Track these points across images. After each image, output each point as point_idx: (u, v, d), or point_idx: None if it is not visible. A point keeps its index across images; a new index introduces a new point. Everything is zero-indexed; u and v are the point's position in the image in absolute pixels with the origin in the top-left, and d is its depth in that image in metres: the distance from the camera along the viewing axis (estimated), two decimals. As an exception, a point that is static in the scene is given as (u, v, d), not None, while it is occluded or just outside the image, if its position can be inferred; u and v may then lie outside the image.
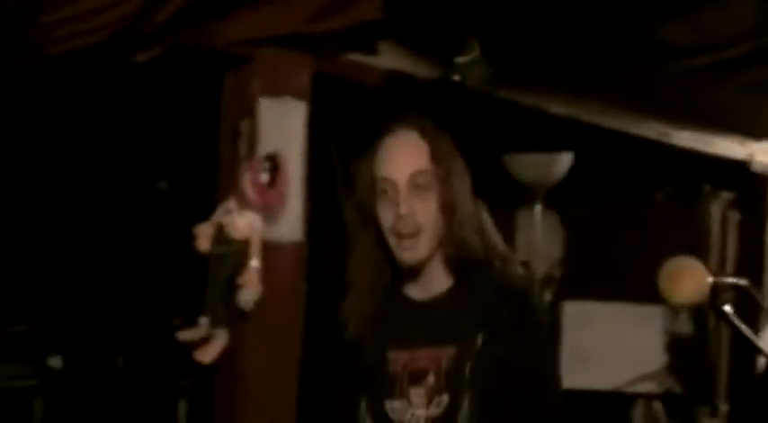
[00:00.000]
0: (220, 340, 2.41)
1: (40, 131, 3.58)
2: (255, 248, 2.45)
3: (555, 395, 1.74)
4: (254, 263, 2.44)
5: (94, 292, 4.25)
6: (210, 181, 2.58)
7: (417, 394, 1.69)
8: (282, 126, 2.57)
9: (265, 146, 2.50)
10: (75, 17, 2.10)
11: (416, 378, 1.70)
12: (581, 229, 4.92)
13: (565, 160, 3.99)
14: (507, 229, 3.99)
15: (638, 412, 3.93)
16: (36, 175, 3.97)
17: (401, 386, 1.70)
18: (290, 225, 2.59)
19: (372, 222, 1.72)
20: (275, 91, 2.54)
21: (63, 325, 4.14)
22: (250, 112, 2.50)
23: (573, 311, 3.78)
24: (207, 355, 2.40)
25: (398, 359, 1.71)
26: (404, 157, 1.69)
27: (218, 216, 2.47)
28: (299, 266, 2.61)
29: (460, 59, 2.80)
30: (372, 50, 2.77)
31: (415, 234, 1.67)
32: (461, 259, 1.71)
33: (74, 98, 3.12)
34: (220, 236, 2.44)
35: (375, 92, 2.93)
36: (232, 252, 2.44)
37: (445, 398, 1.67)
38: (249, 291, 2.43)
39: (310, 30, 2.44)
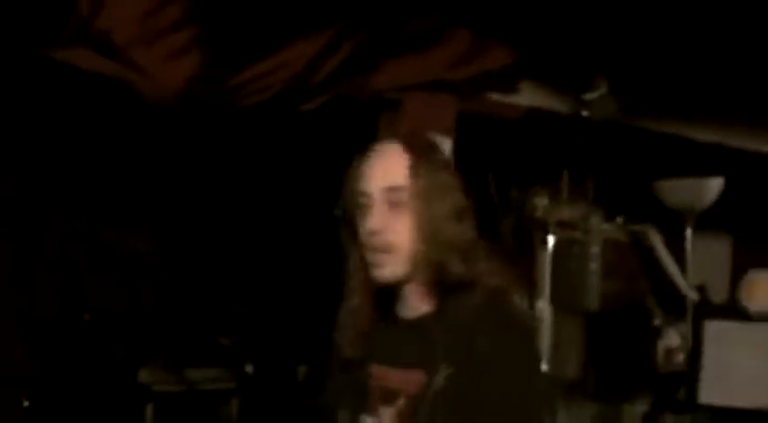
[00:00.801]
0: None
1: (236, 170, 4.15)
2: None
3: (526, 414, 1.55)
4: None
5: (287, 308, 4.71)
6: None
7: (388, 414, 1.59)
8: (430, 159, 2.93)
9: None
10: (253, 78, 2.58)
11: (387, 397, 1.60)
12: (749, 252, 4.94)
13: (714, 185, 4.05)
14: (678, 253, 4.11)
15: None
16: (235, 204, 4.49)
17: (373, 402, 1.62)
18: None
19: (357, 238, 1.61)
20: (423, 129, 2.91)
21: (258, 335, 4.64)
22: (400, 147, 2.89)
23: (714, 330, 3.85)
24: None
25: (376, 374, 1.63)
26: (380, 171, 1.57)
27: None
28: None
29: (589, 96, 3.04)
30: (511, 89, 3.09)
31: (386, 251, 1.55)
32: (446, 283, 1.56)
33: (254, 142, 3.63)
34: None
35: (516, 127, 3.23)
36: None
37: None
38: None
39: (450, 77, 2.81)
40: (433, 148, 1.63)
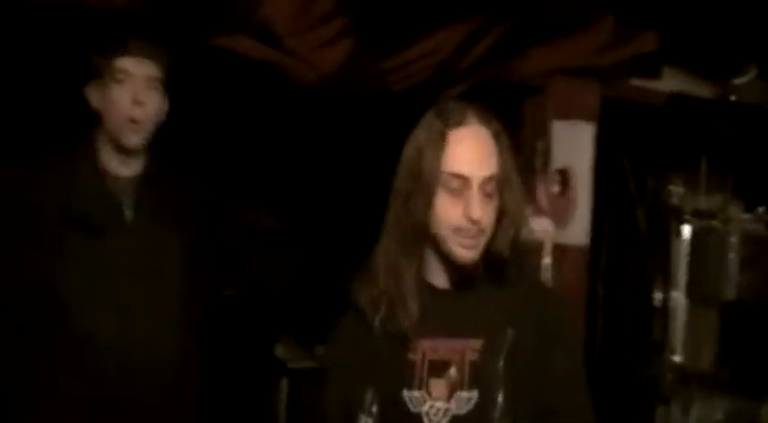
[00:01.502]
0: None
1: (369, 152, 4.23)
2: (548, 249, 2.86)
3: (584, 385, 1.67)
4: (547, 261, 2.85)
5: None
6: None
7: (437, 386, 1.58)
8: (572, 144, 2.95)
9: (557, 161, 2.91)
10: (402, 64, 2.64)
11: (437, 369, 1.58)
12: None
13: None
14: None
15: None
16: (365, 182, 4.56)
17: (420, 376, 1.59)
18: (578, 231, 2.96)
19: (416, 209, 1.60)
20: (566, 114, 2.94)
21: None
22: (544, 132, 2.92)
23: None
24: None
25: (419, 348, 1.60)
26: (479, 157, 1.58)
27: (517, 221, 2.90)
28: (583, 266, 2.98)
29: (738, 80, 2.99)
30: (655, 75, 3.07)
31: (476, 237, 1.58)
32: (500, 259, 1.62)
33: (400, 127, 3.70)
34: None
35: (659, 113, 3.20)
36: (528, 253, 2.86)
37: (474, 394, 1.56)
38: (542, 284, 2.83)
39: (595, 63, 2.81)
40: (506, 133, 1.64)
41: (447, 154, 1.57)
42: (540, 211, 2.87)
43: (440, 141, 1.58)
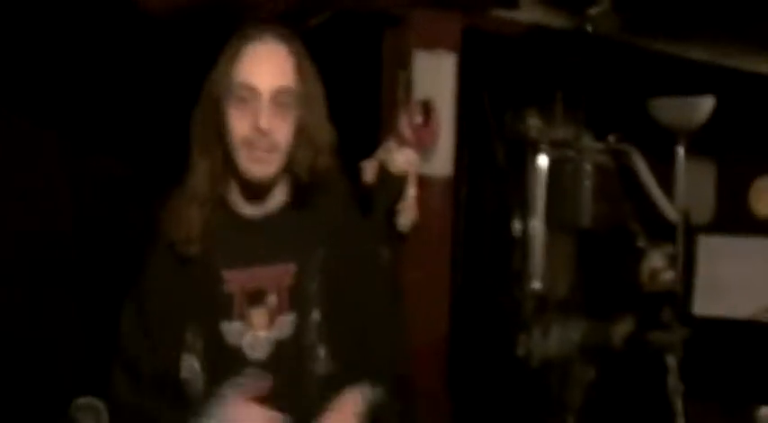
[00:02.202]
0: (384, 255, 2.84)
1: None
2: (412, 180, 2.86)
3: (399, 294, 1.72)
4: (411, 192, 2.85)
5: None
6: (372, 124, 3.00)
7: (258, 315, 1.55)
8: (435, 75, 2.95)
9: (420, 92, 2.89)
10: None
11: (256, 298, 1.56)
12: (732, 171, 5.02)
13: (707, 104, 4.07)
14: (662, 174, 4.15)
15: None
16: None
17: (240, 307, 1.56)
18: (441, 161, 2.98)
19: (217, 128, 1.58)
20: (428, 44, 2.92)
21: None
22: (406, 63, 2.90)
23: (707, 244, 3.94)
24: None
25: (234, 279, 1.57)
26: (271, 68, 1.55)
27: (381, 153, 2.89)
28: (448, 197, 3.00)
29: (592, 10, 3.05)
30: (513, 5, 3.08)
31: (271, 151, 1.55)
32: (303, 181, 1.62)
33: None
34: (383, 170, 2.86)
35: (518, 44, 3.23)
36: (393, 184, 2.86)
37: (293, 316, 1.56)
38: (407, 216, 2.84)
39: (457, -9, 2.80)
40: (307, 55, 1.62)
41: (238, 66, 1.55)
42: (403, 142, 2.85)
43: (234, 56, 1.56)
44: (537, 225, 3.96)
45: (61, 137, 3.94)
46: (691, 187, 4.44)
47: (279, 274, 1.57)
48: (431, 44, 2.91)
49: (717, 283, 3.77)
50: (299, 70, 1.57)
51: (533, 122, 3.98)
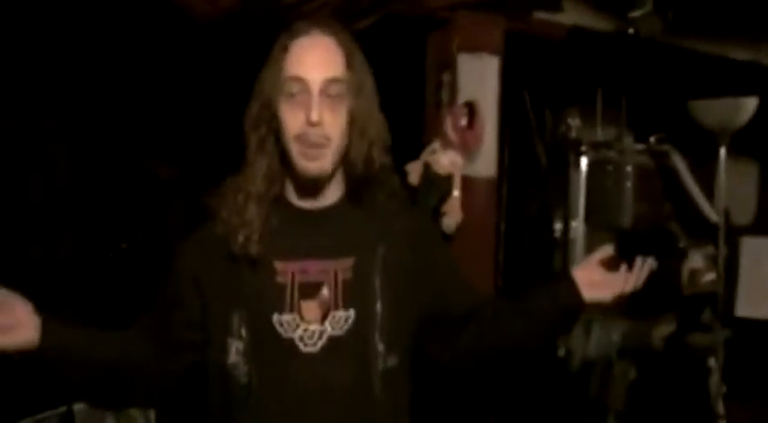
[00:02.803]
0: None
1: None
2: (457, 182, 2.89)
3: (463, 276, 1.74)
4: (456, 194, 2.88)
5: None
6: (416, 126, 3.04)
7: (309, 308, 1.53)
8: (478, 77, 2.97)
9: (464, 94, 2.92)
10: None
11: (308, 291, 1.54)
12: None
13: (749, 105, 4.04)
14: (705, 176, 4.13)
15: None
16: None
17: (291, 299, 1.54)
18: (485, 163, 3.00)
19: (271, 125, 1.57)
20: (472, 47, 2.95)
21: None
22: (451, 65, 2.93)
23: (751, 246, 3.92)
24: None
25: (287, 270, 1.55)
26: (320, 60, 1.53)
27: (426, 155, 2.93)
28: (492, 197, 3.03)
29: (634, 13, 3.06)
30: (556, 8, 3.10)
31: (322, 145, 1.52)
32: (360, 175, 1.60)
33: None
34: (428, 172, 2.90)
35: (561, 46, 3.25)
36: (438, 185, 2.89)
37: (350, 313, 1.54)
38: (452, 217, 2.87)
39: (501, -5, 2.82)
40: (357, 46, 1.60)
41: (286, 61, 1.54)
42: (448, 144, 2.88)
43: (282, 52, 1.55)
44: (577, 226, 3.98)
45: (113, 138, 4.02)
46: (732, 188, 4.43)
47: (335, 267, 1.55)
48: (474, 47, 2.94)
49: (760, 285, 3.76)
50: (349, 61, 1.55)
51: (574, 123, 3.99)
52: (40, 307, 1.56)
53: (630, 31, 3.12)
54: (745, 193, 5.08)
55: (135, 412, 2.70)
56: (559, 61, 3.43)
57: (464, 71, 2.93)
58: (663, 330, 4.18)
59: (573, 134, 3.99)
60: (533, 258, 4.00)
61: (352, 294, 1.54)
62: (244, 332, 1.53)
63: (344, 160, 1.58)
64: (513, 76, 3.24)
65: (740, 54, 3.70)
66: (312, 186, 1.58)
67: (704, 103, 4.13)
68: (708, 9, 3.32)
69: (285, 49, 1.55)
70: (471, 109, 2.90)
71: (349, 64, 1.54)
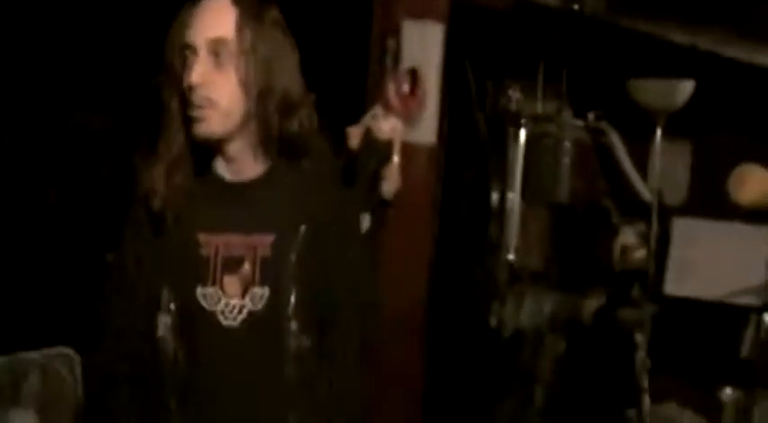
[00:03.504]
0: (364, 223, 2.88)
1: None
2: (397, 148, 2.88)
3: (375, 263, 1.71)
4: (396, 160, 2.87)
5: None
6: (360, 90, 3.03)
7: (231, 282, 1.51)
8: (422, 44, 2.97)
9: (407, 61, 2.92)
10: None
11: (230, 265, 1.52)
12: (707, 155, 5.08)
13: (686, 87, 4.07)
14: (639, 155, 4.17)
15: (747, 324, 4.05)
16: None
17: (214, 272, 1.52)
18: (426, 130, 3.01)
19: (167, 91, 1.53)
20: (417, 14, 2.94)
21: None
22: (395, 31, 2.92)
23: (681, 227, 3.99)
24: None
25: (211, 243, 1.53)
26: (206, 22, 1.49)
27: (367, 119, 2.91)
28: (432, 165, 3.04)
29: (580, -11, 3.09)
30: (504, -20, 3.11)
31: (204, 107, 1.48)
32: (272, 144, 1.55)
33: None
34: (368, 136, 2.88)
35: (507, 17, 3.25)
36: (378, 150, 2.88)
37: (265, 291, 1.52)
38: (391, 183, 2.86)
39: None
40: (261, 4, 1.53)
41: (180, 26, 1.51)
42: (389, 110, 2.87)
43: (179, 19, 1.52)
44: (514, 197, 4.01)
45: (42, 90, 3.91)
46: (666, 169, 4.50)
47: (255, 243, 1.52)
48: (420, 13, 2.93)
49: (688, 265, 3.84)
50: (241, 20, 1.49)
51: (515, 96, 4.01)
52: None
53: (575, 7, 3.14)
54: (679, 175, 5.18)
55: (63, 370, 2.68)
56: (503, 32, 3.44)
57: (408, 37, 2.92)
58: (592, 304, 4.25)
59: (513, 106, 4.01)
60: (469, 227, 4.03)
61: (269, 272, 1.52)
62: (172, 306, 1.52)
63: (250, 126, 1.53)
64: (456, 44, 3.23)
65: (679, 37, 3.75)
66: (225, 155, 1.55)
67: (642, 83, 4.16)
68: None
69: (183, 15, 1.52)
70: (414, 76, 2.89)
71: (241, 23, 1.49)
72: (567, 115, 4.09)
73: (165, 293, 1.52)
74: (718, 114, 4.71)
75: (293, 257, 1.53)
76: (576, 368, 4.07)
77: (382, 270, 2.81)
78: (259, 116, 1.51)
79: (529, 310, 4.03)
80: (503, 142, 3.99)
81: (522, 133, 3.94)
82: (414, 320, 3.03)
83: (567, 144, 4.02)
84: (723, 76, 4.27)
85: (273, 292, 1.52)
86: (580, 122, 4.12)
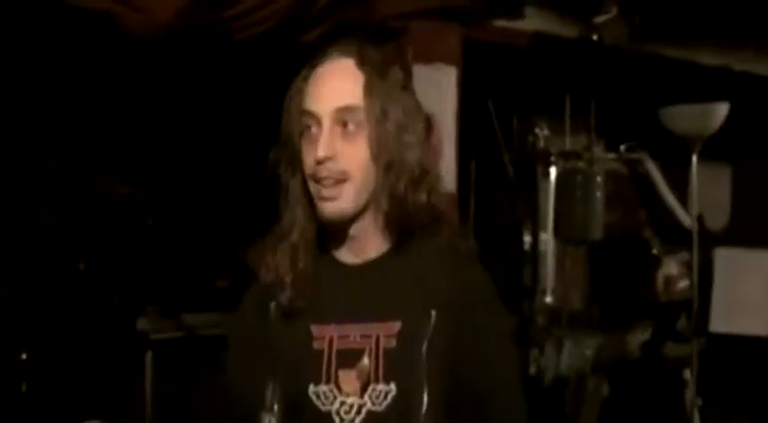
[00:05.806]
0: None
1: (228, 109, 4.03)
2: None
3: (516, 377, 1.43)
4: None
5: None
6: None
7: (347, 379, 1.34)
8: (435, 89, 2.85)
9: (420, 108, 2.80)
10: (249, 9, 2.45)
11: (347, 360, 1.34)
12: (749, 178, 4.93)
13: (721, 110, 3.98)
14: (678, 182, 4.03)
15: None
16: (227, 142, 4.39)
17: (328, 368, 1.34)
18: (445, 178, 2.87)
19: (296, 166, 1.38)
20: (427, 58, 2.83)
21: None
22: (406, 77, 2.80)
23: (725, 257, 3.82)
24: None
25: (324, 335, 1.35)
26: (332, 89, 1.33)
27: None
28: (453, 213, 2.90)
29: (598, 19, 2.96)
30: (517, 15, 2.99)
31: (337, 182, 1.32)
32: (401, 220, 1.35)
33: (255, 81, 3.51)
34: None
35: (523, 54, 3.14)
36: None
37: (391, 387, 1.32)
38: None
39: (455, 3, 2.70)
40: (389, 63, 1.37)
41: (303, 93, 1.35)
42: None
43: (298, 84, 1.37)
44: (547, 238, 3.88)
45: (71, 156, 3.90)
46: (706, 194, 4.34)
47: (376, 332, 1.34)
48: (430, 57, 2.82)
49: (733, 300, 3.67)
50: (370, 84, 1.33)
51: (542, 133, 3.90)
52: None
53: (595, 37, 3.01)
54: (719, 199, 5.01)
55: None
56: (523, 69, 3.33)
57: (420, 83, 2.80)
58: (638, 338, 4.11)
59: (541, 144, 3.90)
60: (503, 273, 3.90)
61: (395, 367, 1.33)
62: (276, 406, 1.36)
63: (379, 201, 1.35)
64: (476, 85, 3.12)
65: (710, 59, 3.60)
66: (346, 234, 1.37)
67: (675, 110, 4.06)
68: (675, 14, 3.23)
69: (304, 79, 1.37)
70: (428, 123, 2.76)
71: (369, 88, 1.33)
72: (598, 149, 3.96)
73: (270, 391, 1.36)
74: (757, 135, 4.56)
75: (423, 349, 1.32)
76: (622, 410, 3.92)
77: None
78: (388, 190, 1.33)
79: (569, 352, 3.88)
80: (533, 181, 3.88)
81: (553, 170, 3.83)
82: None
83: (599, 178, 3.87)
84: (759, 95, 4.12)
85: (401, 390, 1.32)
86: (612, 155, 4.00)
